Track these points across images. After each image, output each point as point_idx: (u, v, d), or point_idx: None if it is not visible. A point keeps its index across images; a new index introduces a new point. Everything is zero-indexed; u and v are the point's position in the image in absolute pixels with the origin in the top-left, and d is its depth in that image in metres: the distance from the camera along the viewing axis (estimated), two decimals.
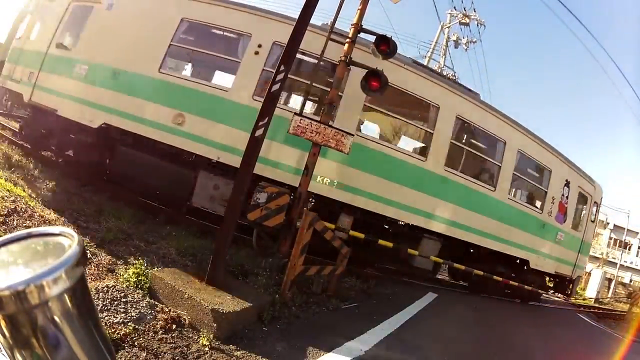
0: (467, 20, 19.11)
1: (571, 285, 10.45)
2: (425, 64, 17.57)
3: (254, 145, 4.10)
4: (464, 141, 8.23)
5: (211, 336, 3.08)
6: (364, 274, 7.23)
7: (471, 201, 7.76)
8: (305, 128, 5.31)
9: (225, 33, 7.42)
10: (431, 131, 7.27)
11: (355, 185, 6.78)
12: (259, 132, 4.08)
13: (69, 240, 0.46)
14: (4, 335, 0.40)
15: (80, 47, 7.65)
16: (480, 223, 7.87)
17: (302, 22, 4.31)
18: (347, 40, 5.81)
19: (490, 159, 8.30)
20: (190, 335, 3.06)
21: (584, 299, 21.60)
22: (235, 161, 5.70)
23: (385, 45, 5.69)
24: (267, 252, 6.72)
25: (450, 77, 19.01)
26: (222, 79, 8.61)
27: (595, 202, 10.90)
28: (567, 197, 9.60)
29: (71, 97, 7.38)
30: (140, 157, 6.98)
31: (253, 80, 6.72)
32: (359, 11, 5.92)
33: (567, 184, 9.54)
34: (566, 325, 9.00)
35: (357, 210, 6.87)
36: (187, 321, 3.22)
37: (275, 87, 4.08)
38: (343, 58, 5.87)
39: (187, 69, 9.18)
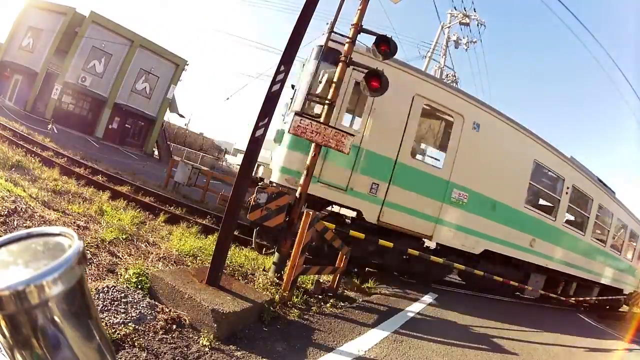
0: (468, 21, 19.13)
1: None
2: (425, 64, 17.57)
3: (255, 145, 4.13)
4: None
5: (211, 336, 3.08)
6: (365, 274, 7.28)
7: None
8: (306, 128, 5.31)
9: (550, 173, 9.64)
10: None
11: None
12: (259, 132, 4.10)
13: (69, 240, 0.46)
14: (4, 335, 0.40)
15: (448, 166, 7.74)
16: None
17: (302, 21, 4.32)
18: (348, 40, 5.81)
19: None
20: (191, 335, 3.06)
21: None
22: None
23: (385, 46, 5.69)
24: (268, 253, 6.74)
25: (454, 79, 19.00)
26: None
27: None
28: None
29: (447, 222, 7.68)
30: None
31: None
32: (359, 11, 5.92)
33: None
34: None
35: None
36: (187, 321, 3.22)
37: (276, 87, 4.09)
38: (343, 58, 5.87)
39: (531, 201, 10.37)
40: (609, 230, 11.88)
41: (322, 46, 6.42)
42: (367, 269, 7.95)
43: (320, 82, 7.36)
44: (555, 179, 9.80)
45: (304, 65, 8.14)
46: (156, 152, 31.40)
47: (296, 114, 5.32)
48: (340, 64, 5.91)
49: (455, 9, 18.79)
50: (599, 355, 6.71)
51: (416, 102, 7.43)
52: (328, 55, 6.45)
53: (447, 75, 19.59)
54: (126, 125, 29.21)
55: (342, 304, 5.14)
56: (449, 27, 19.41)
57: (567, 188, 9.68)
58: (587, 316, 10.85)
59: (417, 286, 7.52)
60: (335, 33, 6.13)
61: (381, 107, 7.06)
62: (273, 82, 4.13)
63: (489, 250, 8.25)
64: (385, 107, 7.08)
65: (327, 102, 5.93)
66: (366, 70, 5.65)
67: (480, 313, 6.60)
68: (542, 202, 10.48)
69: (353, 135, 5.51)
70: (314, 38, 7.37)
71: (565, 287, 11.10)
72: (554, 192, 9.79)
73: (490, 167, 8.13)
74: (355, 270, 7.09)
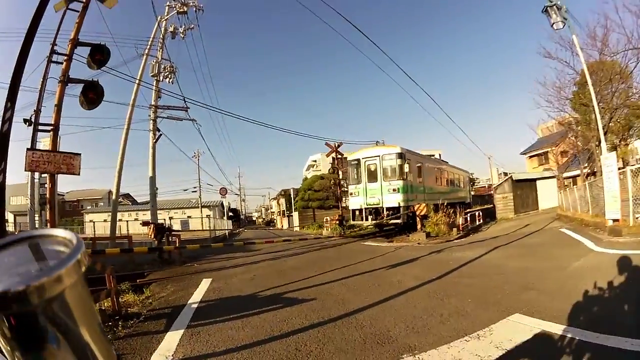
0: (186, 9, 19.19)
1: None
2: (143, 62, 17.08)
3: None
4: None
5: None
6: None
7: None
8: (39, 161, 4.84)
9: None
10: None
11: None
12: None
13: (70, 241, 0.46)
14: (4, 335, 0.40)
15: (423, 181, 20.55)
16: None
17: (23, 53, 3.90)
18: (65, 58, 5.43)
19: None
20: None
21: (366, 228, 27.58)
22: None
23: (100, 54, 5.67)
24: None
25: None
26: None
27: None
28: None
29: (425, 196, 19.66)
30: None
31: None
32: (76, 25, 5.57)
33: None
34: None
35: None
36: None
37: (5, 126, 3.63)
38: (62, 78, 5.49)
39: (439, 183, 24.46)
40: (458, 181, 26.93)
41: None
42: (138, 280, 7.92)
43: None
44: (442, 172, 23.85)
45: None
46: None
47: (28, 149, 4.70)
48: (59, 84, 5.52)
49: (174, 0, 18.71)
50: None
51: (418, 164, 19.54)
52: None
53: (165, 67, 19.29)
54: None
55: (131, 322, 5.03)
56: (166, 19, 19.18)
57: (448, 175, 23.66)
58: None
59: (198, 275, 8.14)
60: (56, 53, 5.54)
61: (411, 169, 17.86)
62: (3, 121, 3.63)
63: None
64: (412, 168, 18.12)
65: (51, 127, 5.45)
66: None
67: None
68: (440, 182, 23.08)
69: (79, 154, 5.38)
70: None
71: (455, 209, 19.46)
72: (443, 177, 23.61)
73: (430, 178, 21.17)
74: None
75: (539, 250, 9.26)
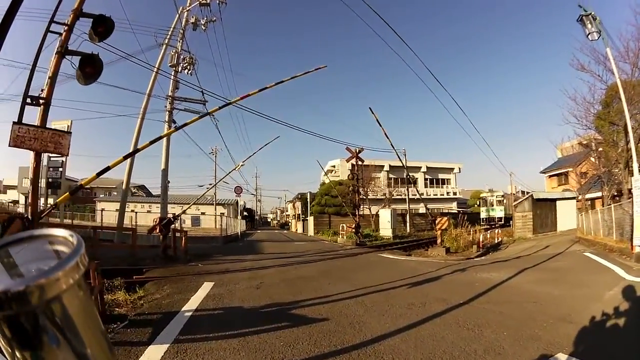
0: (208, 1, 18.62)
1: None
2: (162, 51, 16.71)
3: None
4: None
5: None
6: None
7: None
8: (24, 137, 4.26)
9: None
10: None
11: None
12: None
13: (70, 242, 0.46)
14: (4, 335, 0.40)
15: None
16: None
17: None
18: (65, 28, 4.84)
19: None
20: None
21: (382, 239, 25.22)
22: None
23: (102, 27, 5.15)
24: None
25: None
26: None
27: None
28: None
29: None
30: None
31: None
32: None
33: None
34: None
35: None
36: None
37: None
38: (60, 49, 4.91)
39: None
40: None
41: None
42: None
43: None
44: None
45: None
46: None
47: (14, 123, 4.10)
48: (56, 55, 4.95)
49: None
50: None
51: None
52: None
53: (184, 58, 18.65)
54: None
55: (113, 326, 4.42)
56: (188, 10, 18.77)
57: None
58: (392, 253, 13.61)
59: (200, 277, 7.46)
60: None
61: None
62: None
63: None
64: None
65: (41, 100, 4.86)
66: None
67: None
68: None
69: (69, 133, 4.78)
70: None
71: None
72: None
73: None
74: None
75: (568, 276, 8.59)
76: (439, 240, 16.49)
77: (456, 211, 44.12)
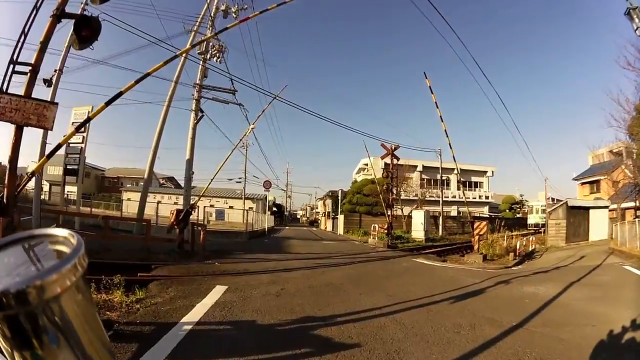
0: None
1: None
2: (190, 38, 16.11)
3: None
4: None
5: None
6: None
7: None
8: (5, 107, 3.52)
9: None
10: None
11: None
12: None
13: (70, 241, 0.45)
14: (4, 335, 0.39)
15: None
16: None
17: None
18: None
19: None
20: None
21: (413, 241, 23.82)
22: None
23: None
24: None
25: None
26: None
27: None
28: None
29: None
30: None
31: None
32: None
33: None
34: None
35: None
36: None
37: None
38: (55, 12, 4.18)
39: None
40: None
41: None
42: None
43: None
44: None
45: None
46: None
47: None
48: (50, 18, 4.22)
49: None
50: None
51: None
52: None
53: (214, 45, 17.81)
54: None
55: None
56: None
57: None
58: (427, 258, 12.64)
59: (214, 278, 6.65)
60: None
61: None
62: None
63: None
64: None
65: (29, 68, 4.13)
66: None
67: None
68: None
69: (56, 104, 4.02)
70: None
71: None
72: None
73: None
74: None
75: (619, 293, 7.64)
76: (475, 246, 15.22)
77: (488, 215, 42.66)
